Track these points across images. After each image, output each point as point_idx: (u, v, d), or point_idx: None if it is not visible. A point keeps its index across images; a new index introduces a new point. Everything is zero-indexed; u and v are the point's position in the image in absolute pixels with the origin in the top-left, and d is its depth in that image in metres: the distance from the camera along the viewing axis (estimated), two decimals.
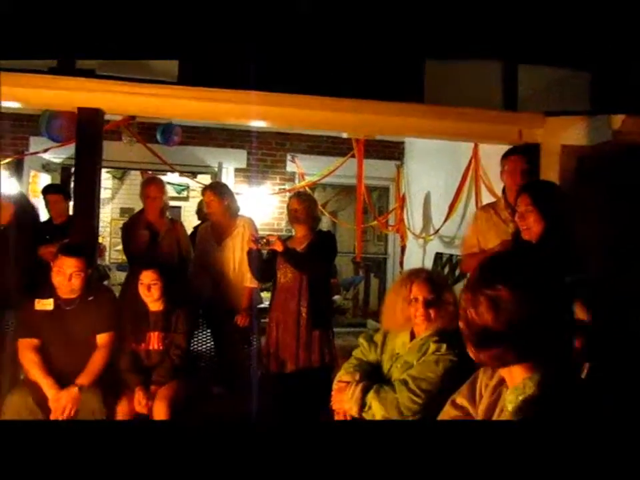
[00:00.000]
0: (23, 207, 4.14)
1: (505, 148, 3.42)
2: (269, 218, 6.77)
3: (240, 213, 4.08)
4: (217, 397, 3.75)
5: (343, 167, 6.24)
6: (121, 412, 3.14)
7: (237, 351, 3.96)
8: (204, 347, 4.76)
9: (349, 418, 2.39)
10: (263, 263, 3.70)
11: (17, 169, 5.97)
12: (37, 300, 3.19)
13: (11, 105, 4.27)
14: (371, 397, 2.34)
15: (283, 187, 6.89)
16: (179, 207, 8.65)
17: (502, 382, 1.79)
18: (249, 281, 3.89)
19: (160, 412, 3.10)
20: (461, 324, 1.30)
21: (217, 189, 3.99)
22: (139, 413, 3.12)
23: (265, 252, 3.72)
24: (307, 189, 6.13)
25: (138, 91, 3.48)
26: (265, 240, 3.53)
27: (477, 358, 1.29)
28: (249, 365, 3.85)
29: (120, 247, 8.26)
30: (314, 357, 3.61)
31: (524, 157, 3.17)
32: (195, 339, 4.08)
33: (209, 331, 4.48)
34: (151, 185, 4.10)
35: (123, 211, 9.16)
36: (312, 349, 3.61)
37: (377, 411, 2.32)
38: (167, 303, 3.40)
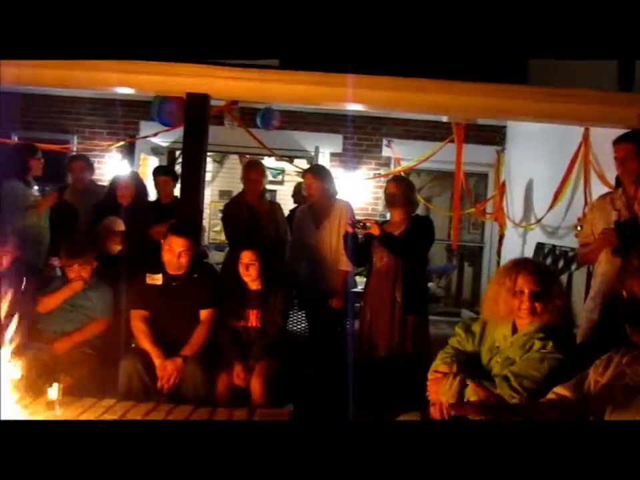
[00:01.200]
0: (140, 188, 4.43)
1: (618, 132, 3.18)
2: (363, 203, 6.76)
3: (337, 197, 4.12)
4: (308, 377, 3.84)
5: (440, 152, 6.09)
6: (221, 384, 3.29)
7: (330, 333, 4.02)
8: (298, 327, 4.89)
9: (445, 409, 2.34)
10: (359, 246, 3.71)
11: (129, 152, 6.39)
12: (147, 275, 3.41)
13: (125, 91, 4.56)
14: (469, 392, 2.27)
15: (378, 171, 6.84)
16: (275, 191, 8.84)
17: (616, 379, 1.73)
18: (345, 264, 3.92)
19: (257, 387, 3.21)
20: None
21: (318, 172, 4.04)
22: (237, 385, 3.26)
23: (361, 236, 3.73)
24: (402, 174, 6.06)
25: (243, 75, 3.58)
26: (361, 223, 3.54)
27: None
28: (342, 347, 3.89)
29: (218, 228, 8.62)
30: (407, 342, 3.58)
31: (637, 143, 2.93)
32: (290, 319, 4.19)
33: (303, 312, 4.60)
34: (253, 168, 4.23)
35: (222, 194, 9.50)
36: (405, 335, 3.58)
37: None
38: (264, 282, 3.51)
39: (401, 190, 3.67)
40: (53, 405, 2.55)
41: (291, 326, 4.22)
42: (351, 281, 4.11)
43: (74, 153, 5.90)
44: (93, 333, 3.49)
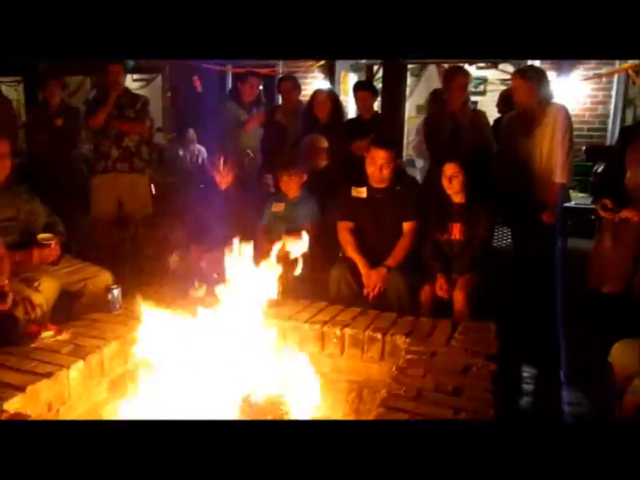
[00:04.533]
0: (336, 104, 4.53)
1: None
2: (578, 109, 6.04)
3: (552, 101, 3.72)
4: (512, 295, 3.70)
5: None
6: (424, 296, 3.34)
7: (539, 250, 3.77)
8: (503, 243, 4.68)
9: None
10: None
11: (330, 71, 6.52)
12: (353, 188, 3.52)
13: None
14: None
15: (598, 71, 6.00)
16: (476, 102, 8.33)
17: None
18: (559, 176, 3.59)
19: (459, 300, 3.20)
20: None
21: (528, 73, 3.66)
22: (440, 297, 3.28)
23: None
24: (629, 71, 5.23)
25: None
26: None
27: None
28: (551, 269, 3.63)
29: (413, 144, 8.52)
30: None
31: None
32: (495, 236, 4.02)
33: (508, 228, 4.38)
34: (458, 73, 3.99)
35: (419, 108, 9.26)
36: None
37: None
38: (468, 195, 3.39)
39: None
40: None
41: (495, 242, 4.04)
42: (564, 194, 3.76)
43: (281, 75, 6.19)
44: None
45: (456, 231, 3.40)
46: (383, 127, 3.95)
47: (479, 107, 8.36)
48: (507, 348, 2.65)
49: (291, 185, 3.77)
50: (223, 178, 3.83)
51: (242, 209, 3.71)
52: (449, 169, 3.36)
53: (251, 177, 4.42)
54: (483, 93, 8.77)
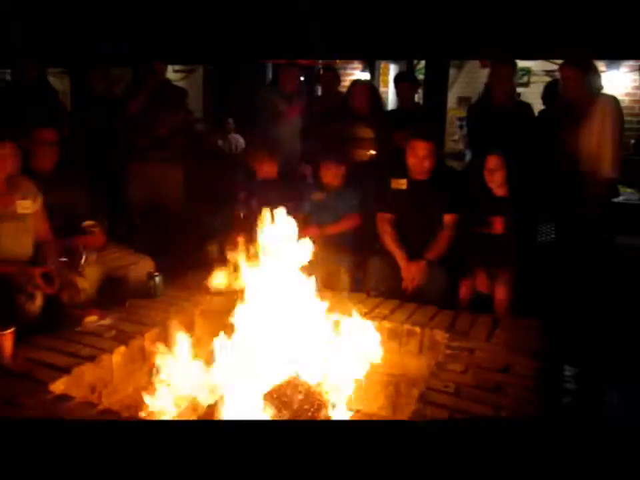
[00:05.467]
0: (374, 95, 4.49)
1: None
2: (628, 101, 5.83)
3: (602, 92, 3.58)
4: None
5: None
6: (464, 291, 3.28)
7: (584, 246, 3.65)
8: (547, 238, 4.56)
9: None
10: None
11: (370, 62, 6.45)
12: (392, 179, 3.48)
13: None
14: None
15: None
16: (519, 94, 8.12)
17: None
18: (609, 171, 3.46)
19: (500, 295, 3.14)
20: None
21: (577, 63, 3.53)
22: (480, 292, 3.22)
23: None
24: None
25: None
26: None
27: None
28: (597, 262, 3.53)
29: (456, 137, 8.36)
30: None
31: None
32: (539, 230, 3.92)
33: (552, 224, 4.26)
34: (503, 65, 3.89)
35: (461, 100, 9.10)
36: None
37: None
38: (511, 188, 3.32)
39: None
40: None
41: (539, 237, 3.94)
42: (612, 189, 3.64)
43: (321, 66, 6.16)
44: (344, 227, 3.74)
45: (497, 225, 3.33)
46: (423, 119, 3.88)
47: (523, 98, 8.17)
48: (551, 346, 2.59)
49: (332, 175, 3.76)
50: (263, 168, 3.85)
51: (281, 198, 3.72)
52: (491, 162, 3.29)
53: (289, 167, 4.42)
54: (526, 84, 8.54)
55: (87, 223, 3.15)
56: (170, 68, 6.12)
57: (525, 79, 8.56)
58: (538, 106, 5.09)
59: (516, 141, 3.74)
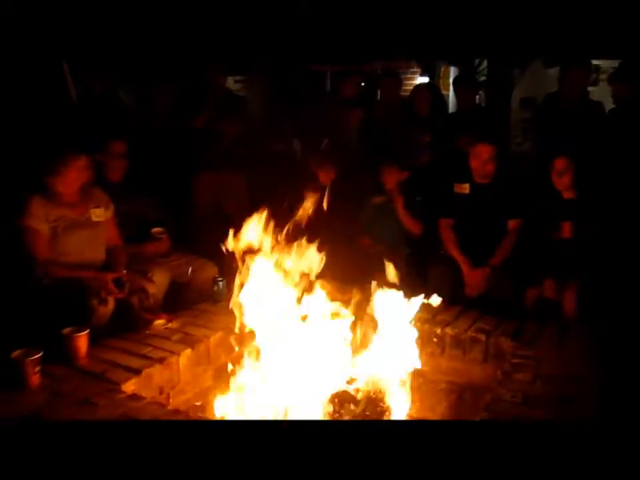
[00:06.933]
0: (437, 98, 4.44)
1: None
2: None
3: None
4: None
5: None
6: (530, 297, 3.18)
7: None
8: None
9: None
10: None
11: (430, 65, 6.38)
12: (455, 184, 3.42)
13: None
14: None
15: None
16: (587, 92, 7.81)
17: None
18: None
19: (570, 301, 3.02)
20: None
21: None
22: (548, 299, 3.11)
23: None
24: None
25: None
26: None
27: None
28: None
29: (520, 139, 8.12)
30: None
31: None
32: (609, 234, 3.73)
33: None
34: (575, 68, 3.76)
35: (524, 102, 8.83)
36: None
37: None
38: (580, 191, 3.19)
39: None
40: None
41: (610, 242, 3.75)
42: None
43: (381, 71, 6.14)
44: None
45: (566, 229, 3.21)
46: (486, 121, 3.80)
47: (591, 97, 7.85)
48: (622, 354, 2.46)
49: (393, 180, 3.74)
50: (325, 174, 3.88)
51: (343, 203, 3.75)
52: (559, 164, 3.19)
53: (351, 172, 4.43)
54: (595, 83, 8.20)
55: (156, 229, 3.27)
56: (230, 78, 6.26)
57: (594, 76, 8.23)
58: (608, 104, 4.88)
59: (586, 142, 3.60)
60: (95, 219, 2.93)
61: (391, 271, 3.24)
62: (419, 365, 2.47)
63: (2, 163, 3.57)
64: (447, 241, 3.39)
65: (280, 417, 2.12)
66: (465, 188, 3.39)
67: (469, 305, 3.07)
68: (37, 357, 2.09)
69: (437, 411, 2.72)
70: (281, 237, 2.32)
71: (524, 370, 2.26)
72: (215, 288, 2.99)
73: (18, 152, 3.59)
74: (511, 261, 3.30)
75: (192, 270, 3.25)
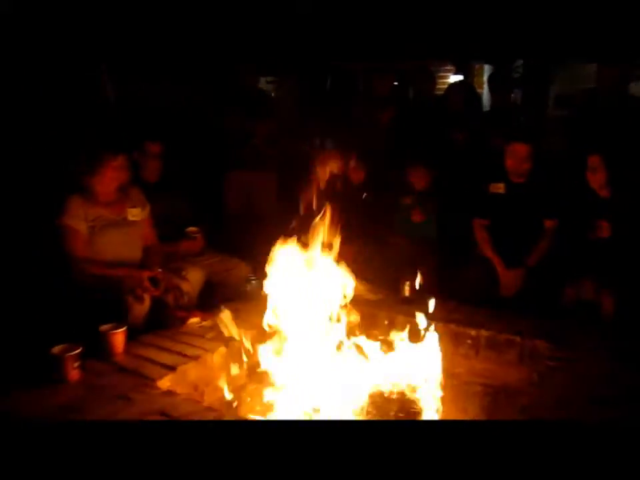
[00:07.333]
0: (470, 96, 4.38)
1: None
2: None
3: None
4: None
5: None
6: (567, 298, 3.11)
7: None
8: None
9: None
10: None
11: (463, 62, 6.30)
12: (490, 183, 3.37)
13: None
14: None
15: None
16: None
17: None
18: None
19: (608, 302, 2.94)
20: None
21: None
22: (585, 300, 3.04)
23: None
24: None
25: None
26: None
27: None
28: None
29: (556, 138, 7.94)
30: None
31: None
32: None
33: None
34: (612, 65, 3.66)
35: (560, 100, 8.65)
36: None
37: None
38: (615, 189, 3.11)
39: None
40: None
41: None
42: None
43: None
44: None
45: (604, 228, 3.13)
46: (521, 120, 3.73)
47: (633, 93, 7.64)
48: None
49: (422, 179, 3.72)
50: (356, 175, 3.87)
51: (374, 203, 3.75)
52: (592, 161, 3.11)
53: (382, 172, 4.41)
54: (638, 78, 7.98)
55: (190, 229, 3.32)
56: (262, 79, 6.30)
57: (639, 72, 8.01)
58: None
59: (623, 139, 3.51)
60: (131, 218, 2.98)
61: (422, 272, 3.24)
62: (452, 367, 2.45)
63: (41, 162, 3.66)
64: (481, 241, 3.35)
65: (311, 416, 2.13)
66: (500, 187, 3.34)
67: (503, 306, 3.03)
68: (76, 352, 2.14)
69: (469, 413, 2.68)
70: (313, 236, 2.32)
71: (561, 372, 2.21)
72: (248, 287, 3.02)
73: (57, 152, 3.68)
74: (548, 261, 3.23)
75: (225, 269, 3.29)
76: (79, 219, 2.80)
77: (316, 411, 2.12)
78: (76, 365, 2.15)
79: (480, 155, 3.89)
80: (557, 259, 3.24)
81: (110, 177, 2.88)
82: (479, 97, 4.74)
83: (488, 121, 4.31)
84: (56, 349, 2.16)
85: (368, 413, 2.10)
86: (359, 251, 2.44)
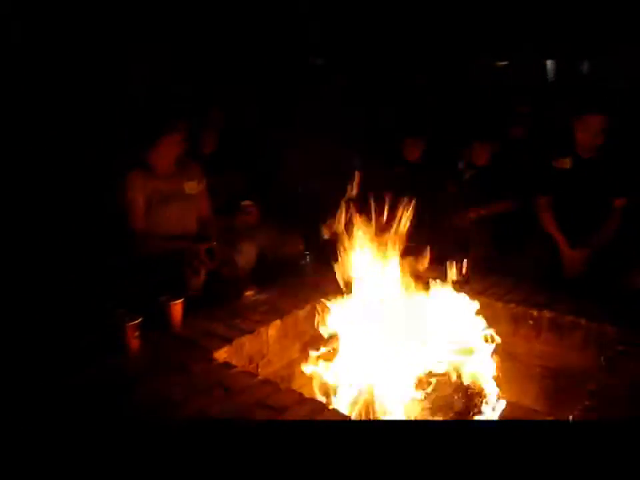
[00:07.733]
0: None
1: None
2: None
3: None
4: None
5: None
6: (636, 282, 2.94)
7: None
8: None
9: None
10: None
11: None
12: (555, 159, 3.19)
13: None
14: None
15: None
16: None
17: None
18: None
19: None
20: None
21: None
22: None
23: None
24: None
25: None
26: None
27: None
28: None
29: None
30: None
31: None
32: None
33: None
34: None
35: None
36: None
37: None
38: None
39: None
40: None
41: None
42: None
43: None
44: (498, 209, 3.57)
45: None
46: (593, 89, 3.51)
47: None
48: None
49: (482, 153, 3.59)
50: (410, 150, 3.79)
51: (429, 179, 3.66)
52: None
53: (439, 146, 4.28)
54: None
55: (245, 202, 3.32)
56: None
57: None
58: None
59: None
60: (188, 191, 3.00)
61: (479, 250, 3.14)
62: (510, 347, 2.37)
63: (103, 137, 3.73)
64: (545, 219, 3.19)
65: (365, 395, 2.10)
66: (566, 163, 3.15)
67: (567, 287, 2.90)
68: (137, 322, 2.19)
69: (529, 395, 2.60)
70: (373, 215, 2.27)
71: (630, 357, 2.10)
72: (302, 262, 3.01)
73: (116, 127, 3.73)
74: (616, 241, 3.06)
75: (280, 244, 3.29)
76: (138, 192, 2.83)
77: (370, 387, 2.10)
78: (136, 334, 2.20)
79: (544, 128, 3.71)
80: (625, 240, 3.07)
81: (168, 150, 2.89)
82: (543, 67, 4.51)
83: (553, 91, 4.10)
84: (118, 317, 2.21)
85: (425, 393, 2.06)
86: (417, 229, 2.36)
